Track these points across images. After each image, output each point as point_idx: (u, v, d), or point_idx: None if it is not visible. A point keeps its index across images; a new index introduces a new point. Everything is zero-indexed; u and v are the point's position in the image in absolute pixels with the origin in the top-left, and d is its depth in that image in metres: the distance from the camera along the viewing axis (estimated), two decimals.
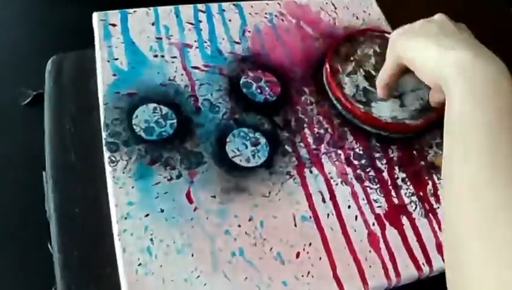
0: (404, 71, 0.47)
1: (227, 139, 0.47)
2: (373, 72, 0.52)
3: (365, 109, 0.49)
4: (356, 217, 0.45)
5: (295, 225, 0.44)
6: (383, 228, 0.45)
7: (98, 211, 0.45)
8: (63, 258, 0.44)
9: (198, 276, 0.40)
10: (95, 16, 0.53)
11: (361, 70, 0.53)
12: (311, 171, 0.47)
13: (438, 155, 0.50)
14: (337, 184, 0.46)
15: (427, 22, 0.45)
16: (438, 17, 0.45)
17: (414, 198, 0.47)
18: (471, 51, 0.38)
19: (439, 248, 0.45)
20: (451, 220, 0.33)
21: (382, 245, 0.44)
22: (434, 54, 0.40)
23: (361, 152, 0.49)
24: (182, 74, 0.50)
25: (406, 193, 0.47)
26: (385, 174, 0.48)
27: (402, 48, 0.45)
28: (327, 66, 0.52)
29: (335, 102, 0.51)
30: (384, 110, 0.50)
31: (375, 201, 0.46)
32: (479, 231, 0.30)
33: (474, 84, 0.36)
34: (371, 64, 0.53)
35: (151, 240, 0.41)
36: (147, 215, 0.42)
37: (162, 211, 0.42)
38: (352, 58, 0.54)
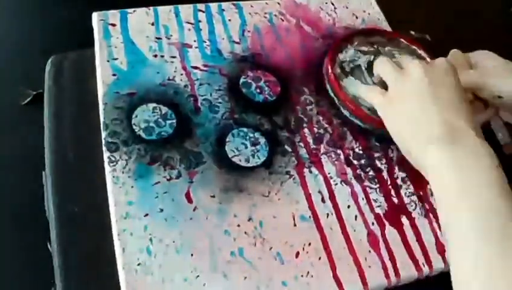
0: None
1: (227, 139, 0.47)
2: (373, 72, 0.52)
3: (368, 110, 0.49)
4: (356, 217, 0.45)
5: (295, 225, 0.44)
6: (382, 228, 0.45)
7: (98, 211, 0.45)
8: (63, 258, 0.44)
9: (198, 276, 0.40)
10: (95, 16, 0.53)
11: (361, 70, 0.53)
12: (310, 171, 0.47)
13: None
14: (336, 184, 0.46)
15: (407, 84, 0.44)
16: (416, 72, 0.44)
17: (414, 198, 0.47)
18: (446, 146, 0.39)
19: (439, 247, 0.45)
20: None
21: (382, 245, 0.44)
22: (413, 151, 0.41)
23: (360, 152, 0.49)
24: (182, 74, 0.50)
25: (405, 193, 0.47)
26: (385, 174, 0.48)
27: (385, 120, 0.45)
28: (327, 67, 0.52)
29: (337, 102, 0.51)
30: None
31: (375, 201, 0.46)
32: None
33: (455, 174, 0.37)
34: (372, 63, 0.53)
35: (151, 239, 0.41)
36: (147, 215, 0.42)
37: (162, 210, 0.42)
38: (351, 59, 0.54)
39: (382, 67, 0.47)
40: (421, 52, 0.55)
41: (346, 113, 0.50)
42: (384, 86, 0.48)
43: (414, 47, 0.56)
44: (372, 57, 0.54)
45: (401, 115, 0.43)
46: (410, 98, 0.43)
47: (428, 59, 0.54)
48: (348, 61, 0.53)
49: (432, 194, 0.48)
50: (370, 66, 0.53)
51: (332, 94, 0.52)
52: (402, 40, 0.56)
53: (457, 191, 0.36)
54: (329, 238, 0.43)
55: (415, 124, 0.41)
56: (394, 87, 0.45)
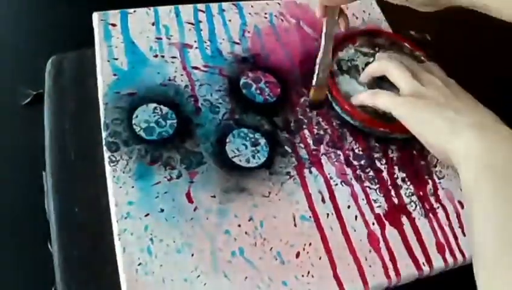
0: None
1: (227, 140, 0.47)
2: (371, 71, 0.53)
3: (359, 108, 0.50)
4: (356, 217, 0.45)
5: (295, 225, 0.44)
6: (382, 228, 0.45)
7: (98, 211, 0.45)
8: (63, 258, 0.44)
9: (198, 276, 0.40)
10: (95, 16, 0.53)
11: (358, 70, 0.53)
12: (310, 172, 0.47)
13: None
14: (336, 184, 0.47)
15: (430, 89, 0.45)
16: (435, 82, 0.46)
17: (414, 198, 0.47)
18: (475, 126, 0.39)
19: (439, 247, 0.45)
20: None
21: (382, 245, 0.44)
22: (445, 137, 0.41)
23: (360, 152, 0.49)
24: (182, 74, 0.51)
25: (405, 193, 0.47)
26: (385, 174, 0.48)
27: (408, 117, 0.44)
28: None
29: (329, 98, 0.51)
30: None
31: (375, 201, 0.46)
32: None
33: (485, 160, 0.37)
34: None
35: (151, 239, 0.41)
36: (147, 215, 0.42)
37: (162, 210, 0.42)
38: (350, 58, 0.54)
39: (396, 69, 0.47)
40: (424, 58, 0.55)
41: (337, 109, 0.51)
42: (372, 87, 0.50)
43: (417, 53, 0.56)
44: (372, 59, 0.54)
45: (424, 110, 0.43)
46: (436, 99, 0.43)
47: None
48: (346, 60, 0.54)
49: (432, 194, 0.48)
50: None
51: (329, 96, 0.52)
52: (406, 44, 0.56)
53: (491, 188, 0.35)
54: (329, 238, 0.43)
55: (441, 116, 0.41)
56: (413, 90, 0.45)
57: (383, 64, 0.49)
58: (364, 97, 0.49)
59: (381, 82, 0.51)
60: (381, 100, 0.47)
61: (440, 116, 0.42)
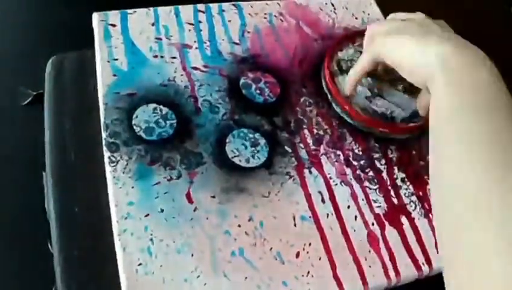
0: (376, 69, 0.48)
1: (227, 140, 0.47)
2: (372, 72, 0.53)
3: (359, 109, 0.50)
4: (356, 217, 0.45)
5: (295, 225, 0.44)
6: (382, 228, 0.45)
7: (98, 211, 0.45)
8: (63, 258, 0.44)
9: (198, 276, 0.40)
10: (95, 16, 0.53)
11: None
12: (310, 172, 0.47)
13: None
14: (336, 184, 0.47)
15: (407, 21, 0.45)
16: (417, 15, 0.46)
17: (413, 198, 0.47)
18: (452, 42, 0.38)
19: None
20: (447, 205, 0.32)
21: (382, 245, 0.44)
22: (418, 49, 0.40)
23: (360, 153, 0.49)
24: (182, 75, 0.51)
25: (405, 193, 0.47)
26: (384, 174, 0.48)
27: (383, 45, 0.44)
28: (325, 68, 0.52)
29: (329, 98, 0.51)
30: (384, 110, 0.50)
31: (375, 201, 0.46)
32: (479, 206, 0.30)
33: (458, 75, 0.36)
34: None
35: (151, 240, 0.41)
36: (147, 215, 0.42)
37: (162, 211, 0.42)
38: (350, 58, 0.54)
39: (379, 29, 0.46)
40: None
41: (337, 109, 0.51)
42: (373, 92, 0.50)
43: None
44: None
45: (403, 35, 0.42)
46: (411, 23, 0.43)
47: None
48: (346, 60, 0.54)
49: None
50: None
51: (326, 90, 0.52)
52: None
53: (450, 109, 0.35)
54: (329, 238, 0.43)
55: (418, 34, 0.41)
56: (392, 20, 0.47)
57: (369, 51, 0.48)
58: (356, 71, 0.48)
59: (379, 82, 0.51)
60: (365, 42, 0.47)
61: (412, 36, 0.41)
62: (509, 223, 0.28)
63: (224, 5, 0.57)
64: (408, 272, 0.43)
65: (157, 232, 0.41)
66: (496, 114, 0.34)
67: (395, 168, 0.49)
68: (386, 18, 0.60)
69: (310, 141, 0.49)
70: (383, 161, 0.49)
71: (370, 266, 0.43)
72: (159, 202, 0.43)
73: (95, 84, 0.49)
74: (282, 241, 0.43)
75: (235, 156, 0.46)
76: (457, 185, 0.32)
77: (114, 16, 0.53)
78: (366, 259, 0.43)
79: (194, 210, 0.43)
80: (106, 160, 0.44)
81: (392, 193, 0.47)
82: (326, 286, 0.41)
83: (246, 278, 0.40)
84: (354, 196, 0.46)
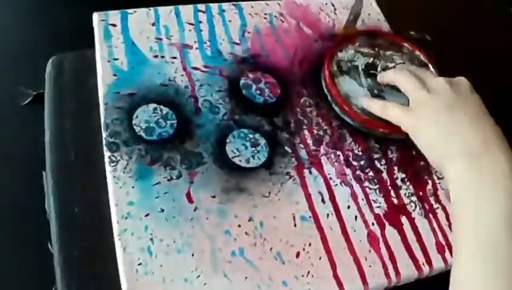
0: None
1: (227, 140, 0.47)
2: (372, 73, 0.53)
3: (358, 110, 0.50)
4: (356, 217, 0.45)
5: (295, 225, 0.44)
6: (382, 228, 0.45)
7: (98, 211, 0.45)
8: (63, 258, 0.44)
9: (199, 276, 0.40)
10: (95, 16, 0.53)
11: (358, 71, 0.53)
12: (310, 172, 0.47)
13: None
14: (336, 185, 0.47)
15: (434, 96, 0.45)
16: (443, 87, 0.46)
17: (413, 198, 0.47)
18: (469, 157, 0.40)
19: (439, 247, 0.45)
20: None
21: (382, 245, 0.44)
22: (438, 153, 0.43)
23: (360, 153, 0.49)
24: (182, 75, 0.51)
25: (405, 193, 0.47)
26: (384, 174, 0.48)
27: (411, 133, 0.46)
28: (325, 69, 0.52)
29: (329, 99, 0.51)
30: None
31: (375, 201, 0.46)
32: None
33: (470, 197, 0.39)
34: (370, 65, 0.53)
35: (152, 239, 0.41)
36: (147, 215, 0.42)
37: (162, 211, 0.42)
38: (350, 58, 0.54)
39: (404, 80, 0.48)
40: (423, 59, 0.55)
41: (336, 109, 0.51)
42: (373, 93, 0.50)
43: (417, 53, 0.56)
44: (371, 59, 0.54)
45: (431, 127, 0.44)
46: (440, 111, 0.44)
47: (430, 66, 0.54)
48: (346, 61, 0.54)
49: (431, 195, 0.48)
50: (367, 68, 0.53)
51: (326, 90, 0.52)
52: (405, 44, 0.56)
53: (469, 221, 0.38)
54: (329, 238, 0.43)
55: (447, 134, 0.42)
56: (419, 101, 0.46)
57: (392, 74, 0.50)
58: (375, 109, 0.49)
59: (379, 82, 0.51)
60: (392, 113, 0.47)
61: (436, 139, 0.43)
62: None
63: (225, 5, 0.57)
64: (408, 272, 0.43)
65: (157, 232, 0.41)
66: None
67: (395, 168, 0.49)
68: (386, 18, 0.60)
69: (310, 141, 0.49)
70: (383, 161, 0.49)
71: (370, 266, 0.43)
72: (159, 202, 0.43)
73: (95, 84, 0.49)
74: (282, 241, 0.43)
75: (235, 156, 0.46)
76: None
77: (114, 15, 0.53)
78: (366, 259, 0.43)
79: (194, 210, 0.43)
80: (106, 160, 0.44)
81: (392, 193, 0.47)
82: (326, 286, 0.41)
83: (246, 278, 0.40)
84: (354, 196, 0.46)
